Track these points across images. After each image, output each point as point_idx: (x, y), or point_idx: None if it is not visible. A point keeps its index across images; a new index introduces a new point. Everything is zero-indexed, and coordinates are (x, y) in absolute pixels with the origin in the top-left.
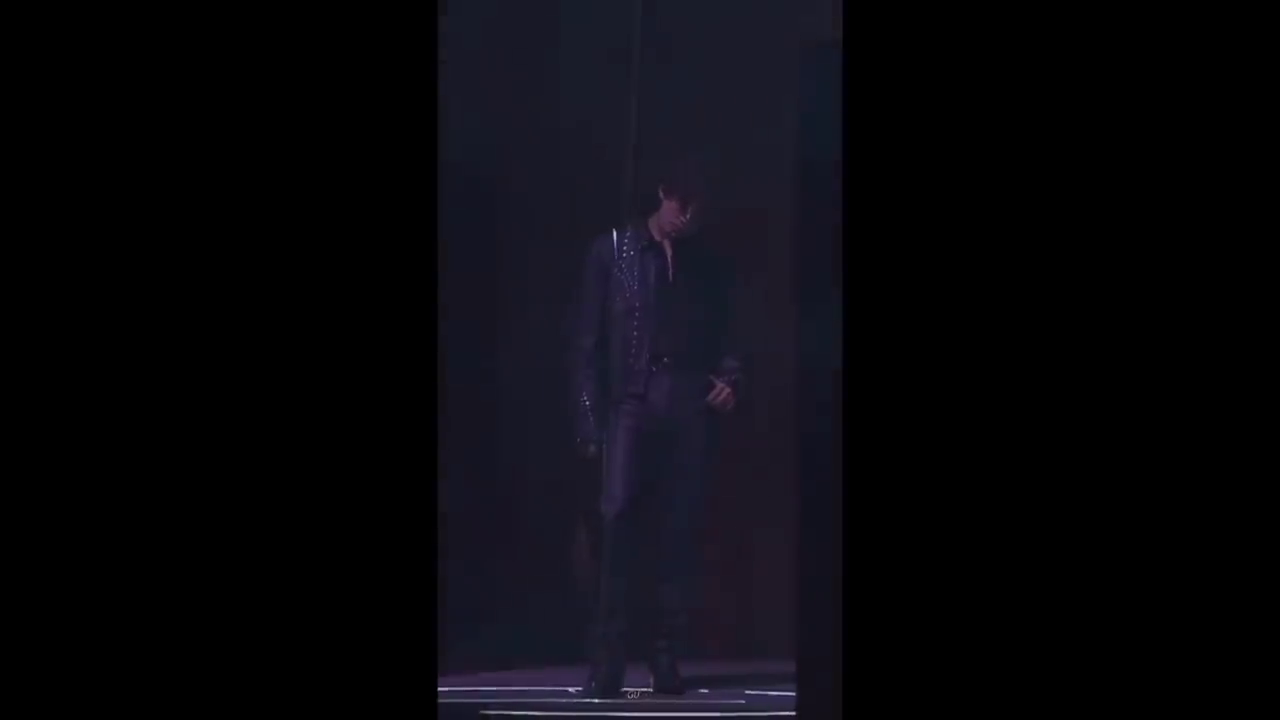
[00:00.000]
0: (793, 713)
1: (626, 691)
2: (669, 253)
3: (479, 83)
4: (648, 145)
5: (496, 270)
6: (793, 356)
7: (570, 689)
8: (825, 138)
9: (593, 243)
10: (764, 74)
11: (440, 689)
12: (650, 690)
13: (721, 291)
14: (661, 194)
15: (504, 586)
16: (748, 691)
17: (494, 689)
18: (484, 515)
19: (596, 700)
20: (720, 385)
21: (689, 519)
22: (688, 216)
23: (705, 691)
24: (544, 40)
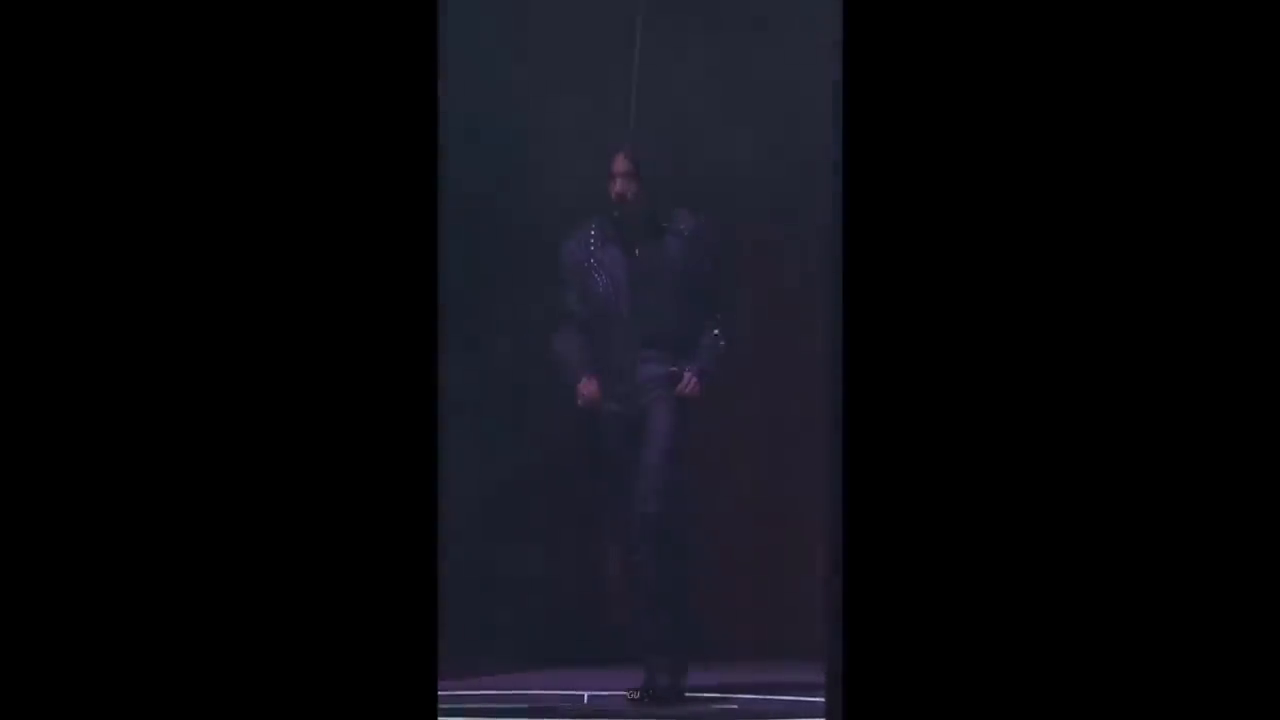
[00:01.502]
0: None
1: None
2: (630, 240)
3: (478, 78)
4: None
5: (500, 270)
6: (816, 357)
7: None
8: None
9: (563, 244)
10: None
11: (441, 692)
12: (640, 693)
13: (695, 265)
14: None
15: (508, 589)
16: (742, 695)
17: (495, 692)
18: (488, 515)
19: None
20: (687, 375)
21: (655, 509)
22: (617, 190)
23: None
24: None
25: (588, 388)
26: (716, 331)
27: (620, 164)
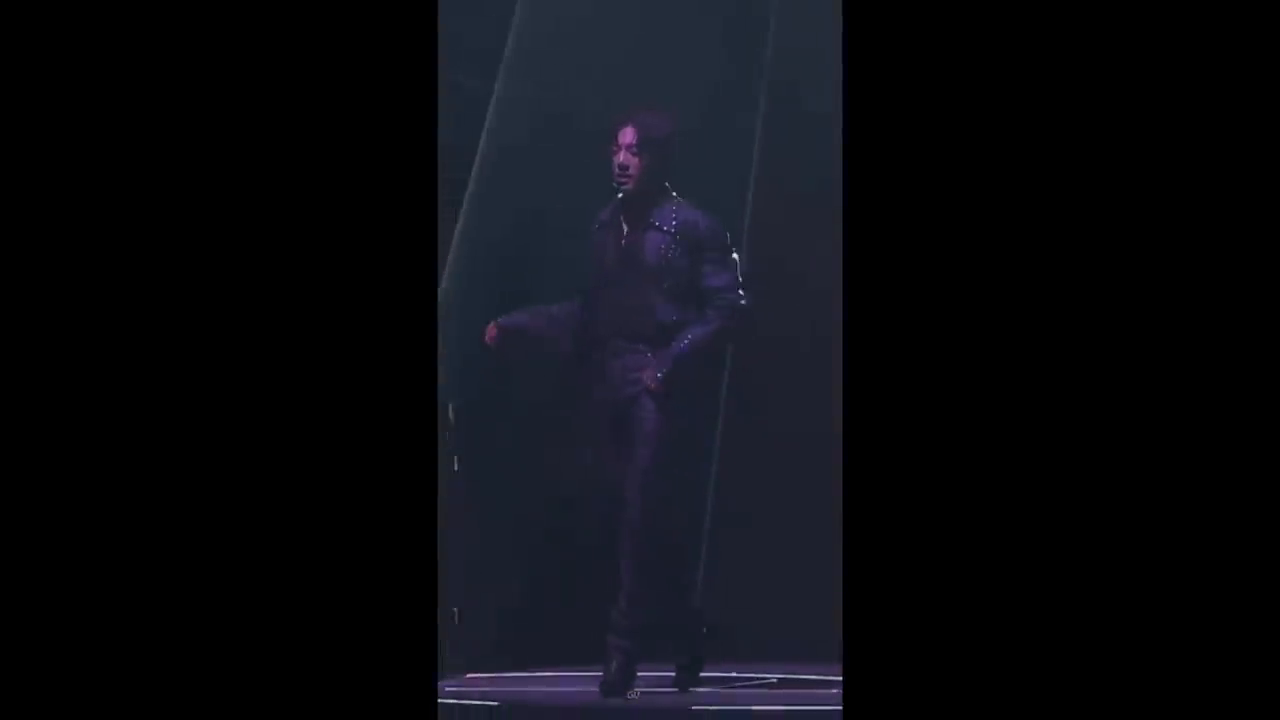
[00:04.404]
0: None
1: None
2: (625, 231)
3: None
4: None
5: (507, 269)
6: (831, 354)
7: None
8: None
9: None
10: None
11: (454, 688)
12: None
13: (675, 261)
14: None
15: (526, 585)
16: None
17: (506, 683)
18: (501, 516)
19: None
20: (648, 370)
21: (639, 515)
22: (619, 161)
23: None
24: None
25: (489, 330)
26: (688, 338)
27: (627, 135)
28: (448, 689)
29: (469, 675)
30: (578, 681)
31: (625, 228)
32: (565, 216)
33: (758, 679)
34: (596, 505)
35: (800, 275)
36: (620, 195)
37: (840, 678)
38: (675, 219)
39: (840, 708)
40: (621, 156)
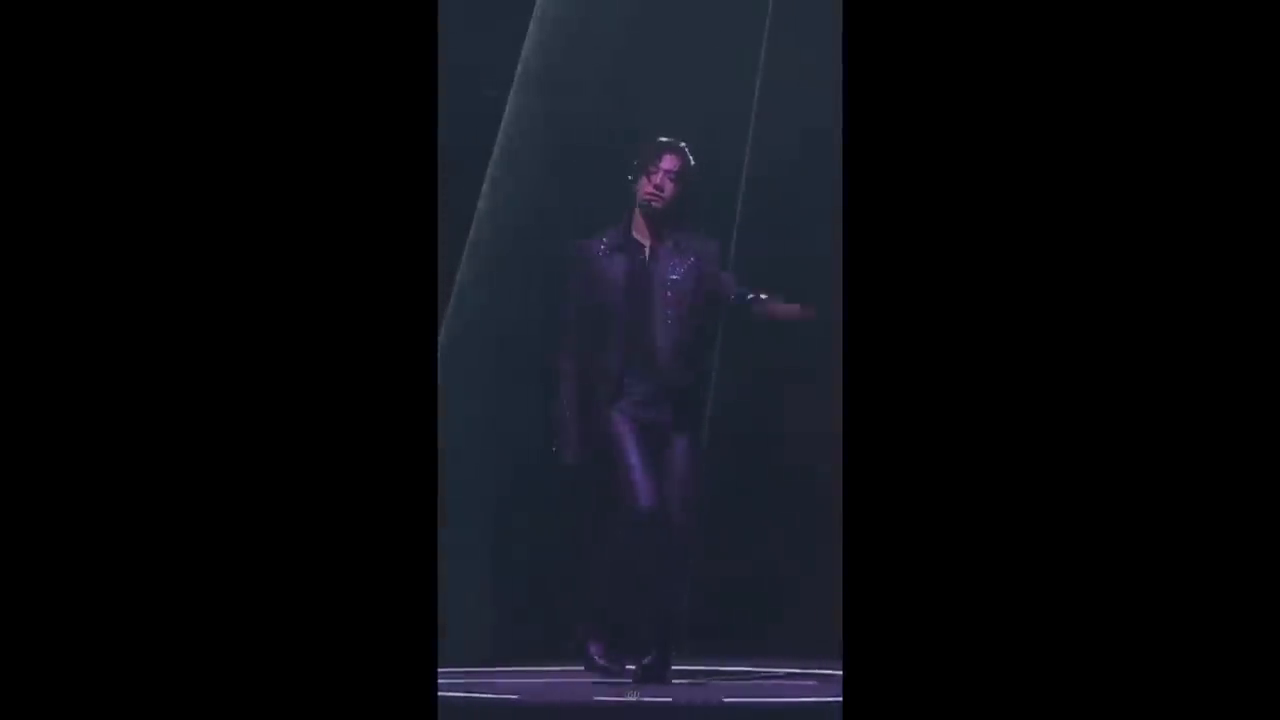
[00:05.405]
0: None
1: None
2: (646, 249)
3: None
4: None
5: (506, 267)
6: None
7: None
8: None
9: (575, 244)
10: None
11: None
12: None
13: (695, 287)
14: (630, 178)
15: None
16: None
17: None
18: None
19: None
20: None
21: (677, 519)
22: (655, 182)
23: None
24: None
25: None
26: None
27: (672, 161)
28: (447, 682)
29: (470, 669)
30: (580, 676)
31: (646, 246)
32: (572, 215)
33: (757, 673)
34: (605, 508)
35: (799, 275)
36: (645, 212)
37: (841, 672)
38: (693, 246)
39: (840, 699)
40: (659, 178)
